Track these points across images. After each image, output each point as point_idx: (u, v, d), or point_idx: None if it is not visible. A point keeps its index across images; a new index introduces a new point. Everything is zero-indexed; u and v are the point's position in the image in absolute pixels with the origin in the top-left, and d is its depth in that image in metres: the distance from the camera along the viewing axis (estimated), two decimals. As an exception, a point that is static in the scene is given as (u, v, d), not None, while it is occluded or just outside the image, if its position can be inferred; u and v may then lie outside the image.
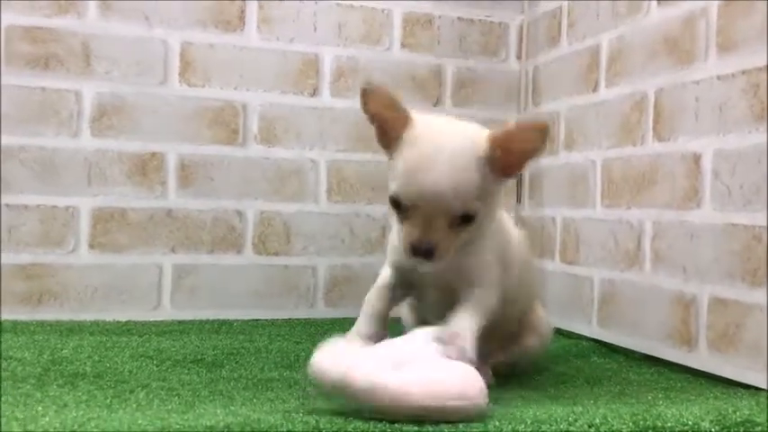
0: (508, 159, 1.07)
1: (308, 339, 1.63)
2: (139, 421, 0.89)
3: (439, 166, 1.03)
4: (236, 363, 1.41)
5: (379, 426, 0.89)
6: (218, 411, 0.98)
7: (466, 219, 1.06)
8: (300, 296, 1.98)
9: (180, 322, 1.82)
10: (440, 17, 2.10)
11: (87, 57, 1.84)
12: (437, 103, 2.09)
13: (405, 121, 1.08)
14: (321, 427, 0.87)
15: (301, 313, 1.97)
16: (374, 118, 1.10)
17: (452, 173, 1.03)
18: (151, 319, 1.84)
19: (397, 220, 1.08)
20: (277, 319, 1.92)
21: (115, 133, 1.85)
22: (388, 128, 1.09)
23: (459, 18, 2.12)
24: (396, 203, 1.06)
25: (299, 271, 1.98)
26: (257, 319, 1.90)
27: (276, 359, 1.45)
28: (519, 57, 2.16)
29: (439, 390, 0.93)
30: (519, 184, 2.14)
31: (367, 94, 1.08)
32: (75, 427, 0.85)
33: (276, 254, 1.96)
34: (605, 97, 1.76)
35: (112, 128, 1.85)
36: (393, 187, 1.06)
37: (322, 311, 1.98)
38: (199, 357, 1.44)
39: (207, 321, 1.85)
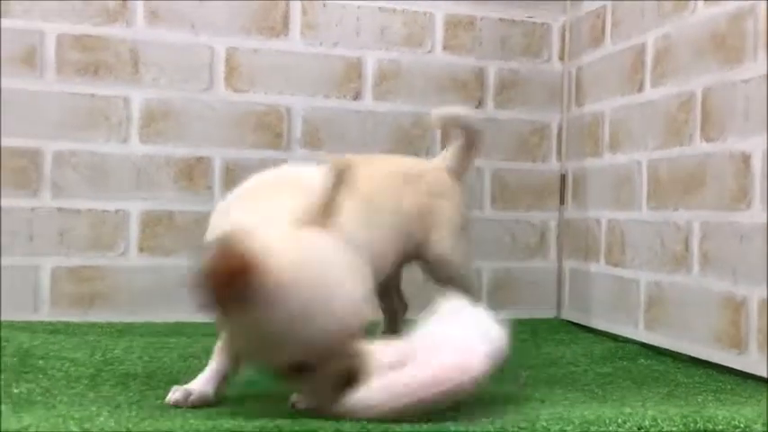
0: None
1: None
2: (191, 421, 0.90)
3: None
4: (283, 364, 1.42)
5: (425, 426, 0.89)
6: (269, 411, 0.99)
7: None
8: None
9: (226, 324, 1.84)
10: (481, 19, 2.10)
11: (135, 64, 1.87)
12: (479, 104, 2.09)
13: None
14: (370, 428, 0.88)
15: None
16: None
17: None
18: (199, 320, 1.86)
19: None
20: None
21: (163, 139, 1.89)
22: None
23: (500, 19, 2.11)
24: None
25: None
26: (302, 321, 1.91)
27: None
28: (562, 57, 2.15)
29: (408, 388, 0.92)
30: (562, 186, 2.13)
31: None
32: (130, 426, 0.87)
33: (320, 256, 1.97)
34: (651, 97, 1.74)
35: (160, 133, 1.88)
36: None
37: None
38: (246, 358, 1.45)
39: (253, 323, 1.87)
